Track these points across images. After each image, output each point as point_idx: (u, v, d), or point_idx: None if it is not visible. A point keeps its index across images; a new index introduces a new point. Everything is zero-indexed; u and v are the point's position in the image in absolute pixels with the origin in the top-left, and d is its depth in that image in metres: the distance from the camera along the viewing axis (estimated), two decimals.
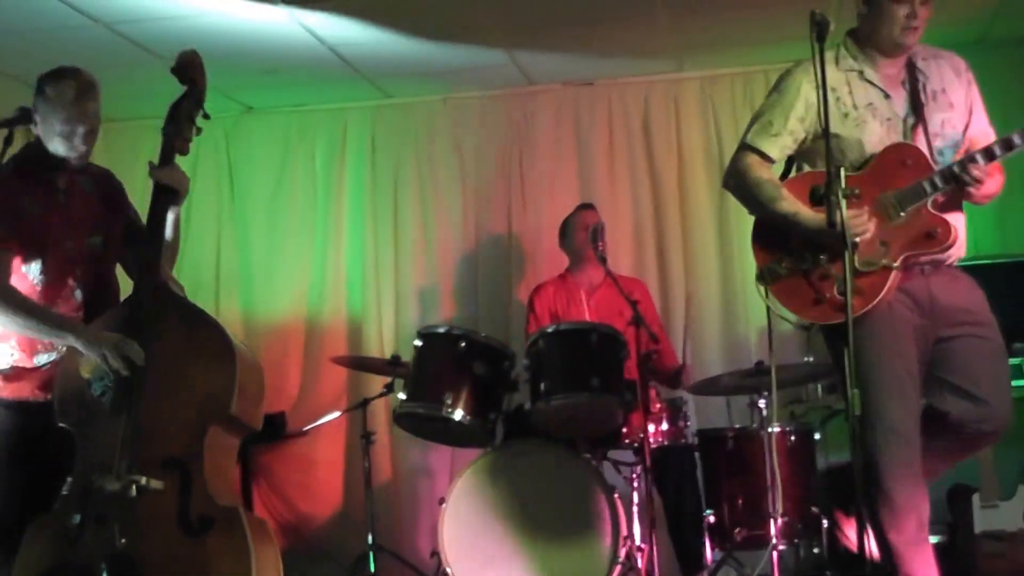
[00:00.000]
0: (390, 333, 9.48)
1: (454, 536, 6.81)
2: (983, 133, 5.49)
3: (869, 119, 5.46)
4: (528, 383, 7.10)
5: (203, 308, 5.42)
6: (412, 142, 9.71)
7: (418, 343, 7.25)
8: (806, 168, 5.68)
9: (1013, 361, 6.85)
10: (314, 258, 9.65)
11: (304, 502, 9.23)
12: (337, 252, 9.65)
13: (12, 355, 5.44)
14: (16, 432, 5.40)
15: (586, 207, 8.34)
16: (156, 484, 4.90)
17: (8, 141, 5.27)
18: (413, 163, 9.68)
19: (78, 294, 5.50)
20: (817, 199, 5.03)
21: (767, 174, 5.64)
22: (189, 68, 5.62)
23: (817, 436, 7.70)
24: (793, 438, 7.53)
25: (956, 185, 5.21)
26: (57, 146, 5.46)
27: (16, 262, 5.42)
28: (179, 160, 5.66)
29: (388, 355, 7.88)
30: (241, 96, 9.40)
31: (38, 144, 5.52)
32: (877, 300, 5.31)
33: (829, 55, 5.49)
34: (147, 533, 4.87)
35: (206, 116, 5.67)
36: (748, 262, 8.93)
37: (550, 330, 7.13)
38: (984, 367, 5.41)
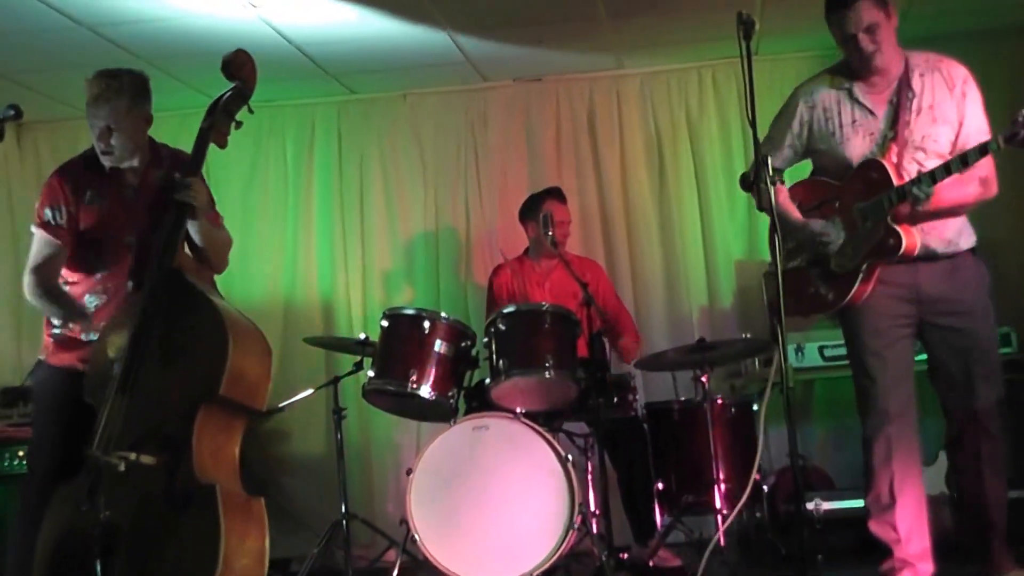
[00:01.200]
0: (359, 314, 9.50)
1: (420, 504, 6.79)
2: (978, 133, 5.55)
3: (852, 136, 5.68)
4: (488, 360, 7.12)
5: (216, 297, 5.39)
6: (375, 135, 9.71)
7: (385, 323, 7.25)
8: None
9: None
10: (286, 245, 9.64)
11: (281, 474, 9.24)
12: (308, 239, 9.64)
13: (63, 328, 5.58)
14: (60, 394, 5.51)
15: (557, 197, 8.28)
16: (147, 460, 4.92)
17: None
18: (377, 155, 9.69)
19: (129, 284, 5.55)
20: (745, 186, 5.23)
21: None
22: (234, 66, 5.60)
23: (756, 407, 7.72)
24: (734, 410, 7.59)
25: (909, 200, 5.37)
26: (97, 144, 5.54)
27: (67, 252, 5.53)
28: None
29: (357, 335, 7.87)
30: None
31: None
32: (847, 299, 5.66)
33: (825, 74, 5.85)
34: (132, 506, 4.89)
35: (251, 111, 5.70)
36: (688, 245, 9.11)
37: (507, 311, 7.13)
38: (951, 357, 5.67)
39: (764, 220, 5.32)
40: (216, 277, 5.44)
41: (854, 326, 5.81)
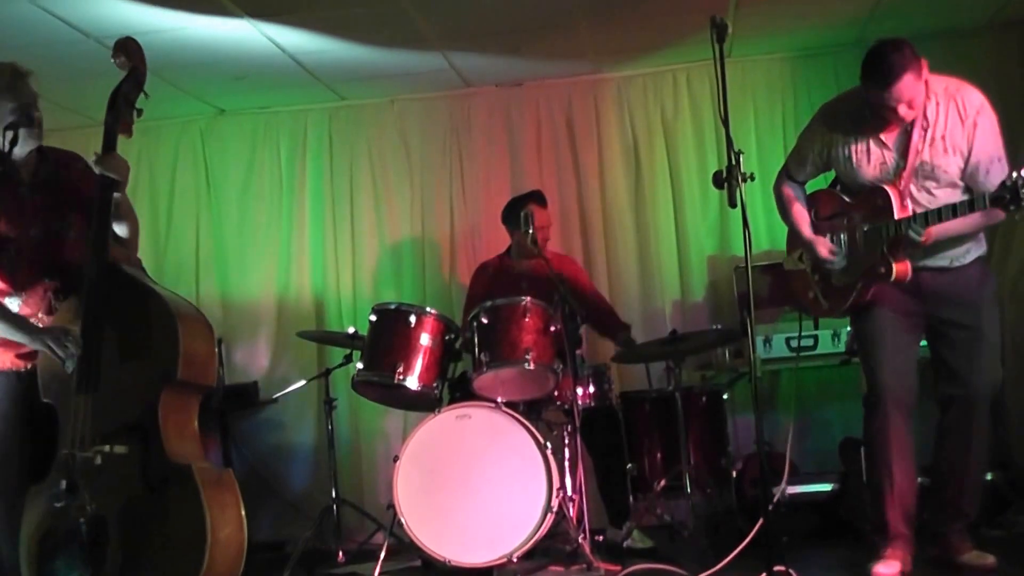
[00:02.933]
0: (348, 310, 9.48)
1: (407, 490, 6.79)
2: (988, 163, 5.55)
3: (864, 163, 5.76)
4: (470, 353, 7.13)
5: (154, 284, 5.36)
6: (364, 139, 9.69)
7: (373, 318, 7.23)
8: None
9: None
10: (281, 244, 9.62)
11: (275, 461, 9.23)
12: (301, 238, 9.62)
13: None
14: (9, 399, 5.34)
15: (538, 201, 8.18)
16: (120, 449, 4.93)
17: (14, 142, 5.20)
18: (365, 158, 9.67)
19: (47, 280, 5.40)
20: (718, 184, 5.20)
21: (787, 189, 6.18)
22: (125, 53, 5.49)
23: (725, 396, 7.76)
24: (704, 399, 7.63)
25: (904, 236, 5.49)
26: (17, 131, 5.32)
27: None
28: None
29: (347, 330, 7.85)
30: (214, 100, 9.34)
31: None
32: (841, 311, 5.91)
33: (847, 100, 5.95)
34: (114, 494, 4.90)
35: (146, 95, 5.50)
36: (662, 242, 9.08)
37: (488, 305, 7.11)
38: (954, 351, 5.80)
39: (735, 217, 5.32)
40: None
41: (864, 322, 5.90)
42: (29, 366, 5.34)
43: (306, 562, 7.59)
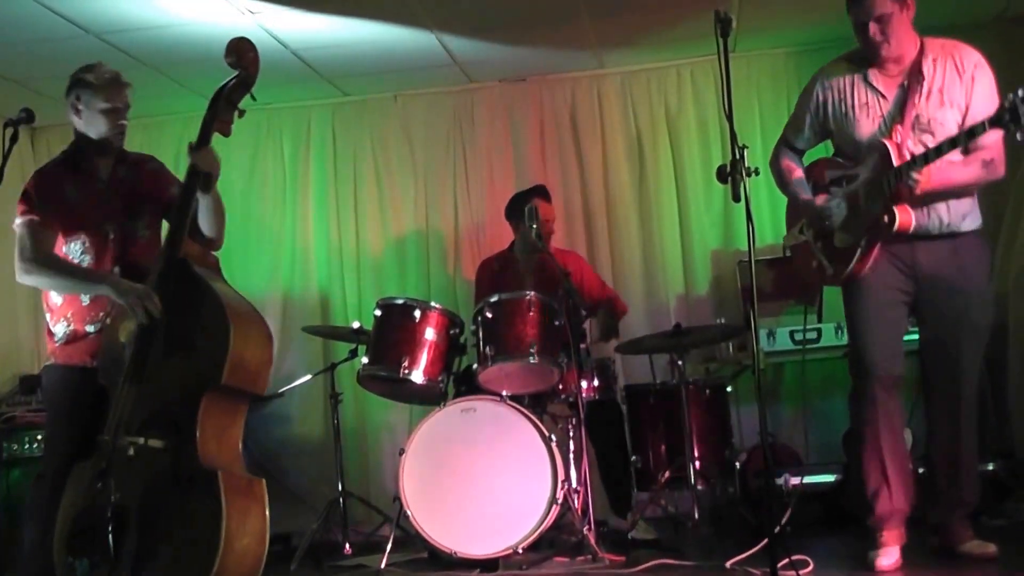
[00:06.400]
0: (353, 305, 9.57)
1: (413, 482, 6.89)
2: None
3: (863, 119, 5.76)
4: (475, 347, 7.21)
5: (222, 284, 5.36)
6: (368, 135, 9.78)
7: (378, 313, 7.34)
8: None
9: None
10: (285, 240, 9.73)
11: (282, 455, 9.29)
12: (305, 234, 9.72)
13: (68, 327, 5.58)
14: (71, 391, 5.53)
15: (542, 195, 8.32)
16: (155, 443, 4.97)
17: (14, 138, 5.27)
18: (369, 153, 9.77)
19: (117, 272, 5.52)
20: (722, 179, 5.20)
21: (786, 161, 6.14)
22: (237, 54, 5.48)
23: (729, 389, 7.84)
24: (708, 391, 7.67)
25: (905, 180, 5.42)
26: (100, 126, 5.57)
27: (59, 242, 5.54)
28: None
29: (352, 324, 7.94)
30: None
31: (80, 137, 5.64)
32: (846, 273, 5.75)
33: (843, 60, 5.94)
34: (141, 485, 4.93)
35: (253, 98, 5.58)
36: (666, 237, 9.14)
37: (493, 300, 7.19)
38: (942, 329, 5.77)
39: (739, 211, 5.30)
40: (222, 271, 5.44)
41: (854, 296, 5.87)
42: (94, 364, 5.48)
43: (313, 554, 7.68)
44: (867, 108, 5.76)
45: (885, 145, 5.54)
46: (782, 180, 6.20)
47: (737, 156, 5.11)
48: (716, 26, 5.09)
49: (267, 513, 5.12)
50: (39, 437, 7.90)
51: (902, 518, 5.87)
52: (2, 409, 8.50)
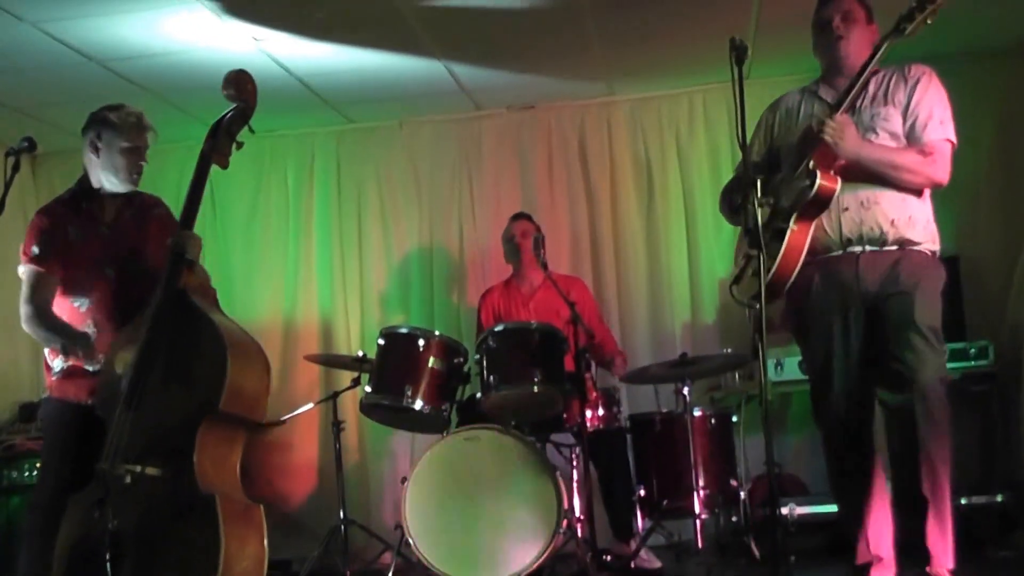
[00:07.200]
0: (356, 333, 9.56)
1: (415, 511, 6.89)
2: (927, 118, 5.35)
3: (797, 121, 5.62)
4: (479, 376, 7.20)
5: (218, 315, 5.38)
6: (373, 162, 9.79)
7: (381, 341, 7.33)
8: None
9: None
10: (288, 267, 9.72)
11: (283, 482, 9.28)
12: (308, 261, 9.72)
13: (65, 363, 5.57)
14: (64, 427, 5.55)
15: (515, 217, 8.48)
16: (152, 471, 4.97)
17: (16, 168, 5.28)
18: (374, 181, 9.77)
19: (118, 315, 5.55)
20: (735, 208, 5.17)
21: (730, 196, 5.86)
22: (235, 86, 5.47)
23: (735, 419, 7.78)
24: (713, 421, 7.61)
25: (817, 140, 5.22)
26: (118, 165, 5.60)
27: (58, 285, 5.55)
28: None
29: (355, 352, 7.93)
30: None
31: (85, 178, 5.66)
32: (779, 258, 5.29)
33: (794, 89, 5.82)
34: (138, 513, 4.94)
35: (251, 130, 5.55)
36: (673, 265, 9.14)
37: (497, 329, 7.20)
38: (892, 332, 5.34)
39: None
40: (221, 297, 5.44)
41: (805, 333, 5.64)
42: (91, 401, 5.47)
43: None
44: (812, 118, 5.48)
45: (810, 126, 5.35)
46: (729, 208, 5.93)
47: (750, 185, 5.00)
48: (731, 54, 4.98)
49: (265, 539, 5.13)
50: (38, 465, 7.88)
51: (889, 564, 5.57)
52: (1, 437, 8.51)
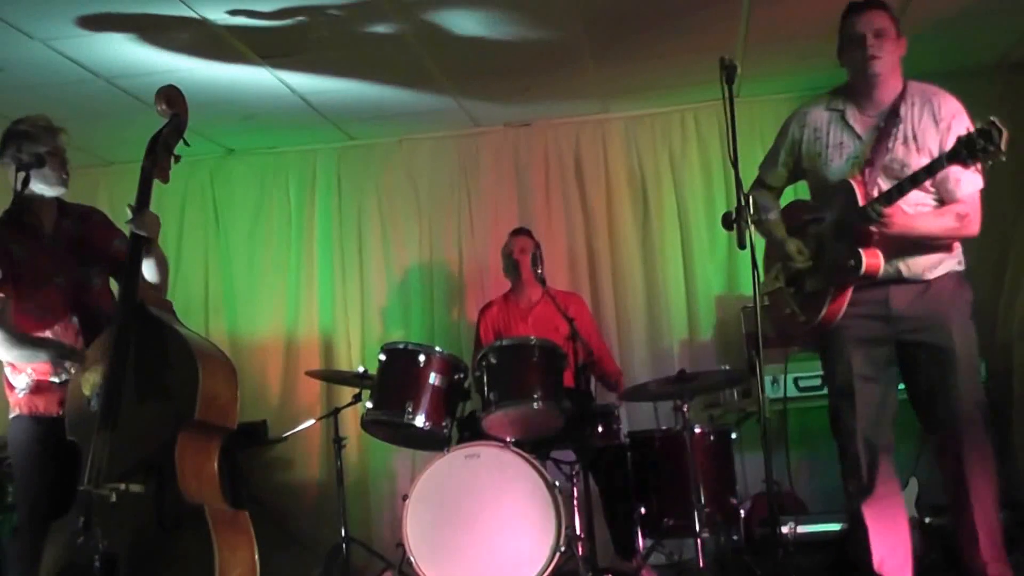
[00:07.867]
0: (357, 349, 9.58)
1: (416, 528, 6.89)
2: (959, 171, 5.26)
3: (836, 158, 5.58)
4: (479, 392, 7.24)
5: (180, 326, 5.41)
6: (373, 178, 9.83)
7: (382, 357, 7.34)
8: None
9: None
10: (289, 283, 9.75)
11: (284, 499, 9.28)
12: (310, 277, 9.75)
13: (30, 379, 5.60)
14: (37, 441, 5.56)
15: (515, 233, 8.52)
16: (136, 488, 4.97)
17: (25, 183, 5.41)
18: (374, 197, 9.80)
19: (75, 320, 5.61)
20: (728, 225, 5.15)
21: (761, 198, 5.85)
22: (167, 101, 5.67)
23: (734, 436, 7.76)
24: (712, 438, 7.61)
25: (869, 221, 5.25)
26: (46, 173, 5.58)
27: (13, 301, 5.53)
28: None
29: (356, 368, 7.95)
30: (223, 140, 9.53)
31: (20, 197, 5.60)
32: (817, 319, 5.48)
33: (824, 96, 5.75)
34: (127, 532, 4.96)
35: (186, 143, 5.72)
36: (670, 281, 9.16)
37: (497, 345, 7.23)
38: (927, 372, 5.44)
39: (743, 257, 5.27)
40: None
41: (831, 353, 5.65)
42: (61, 412, 5.48)
43: None
44: (840, 148, 5.58)
45: (851, 185, 5.38)
46: (756, 216, 5.80)
47: (743, 203, 5.05)
48: (722, 73, 5.06)
49: (255, 543, 5.20)
50: (10, 489, 7.77)
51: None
52: None
